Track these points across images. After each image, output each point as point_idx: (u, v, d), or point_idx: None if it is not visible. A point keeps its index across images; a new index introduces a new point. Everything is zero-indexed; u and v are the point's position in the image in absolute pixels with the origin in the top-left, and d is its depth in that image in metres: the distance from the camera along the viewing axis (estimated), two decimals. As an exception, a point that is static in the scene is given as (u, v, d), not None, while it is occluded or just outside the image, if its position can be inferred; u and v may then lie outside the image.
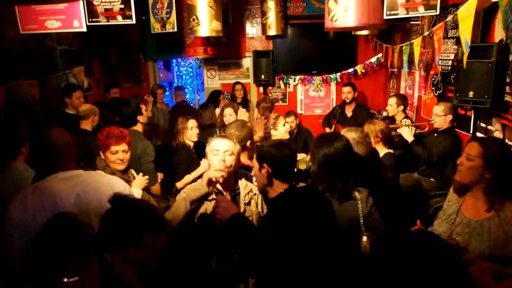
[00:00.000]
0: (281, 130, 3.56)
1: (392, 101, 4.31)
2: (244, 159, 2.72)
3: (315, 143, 1.96)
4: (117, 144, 2.44)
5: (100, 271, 1.54)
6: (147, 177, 2.64)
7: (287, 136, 3.71)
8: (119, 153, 2.45)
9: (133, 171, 2.71)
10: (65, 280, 1.40)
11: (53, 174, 1.86)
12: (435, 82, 4.13)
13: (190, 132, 3.40)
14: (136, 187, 2.48)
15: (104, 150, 2.45)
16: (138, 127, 3.27)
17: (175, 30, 4.18)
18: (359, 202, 1.89)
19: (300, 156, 4.38)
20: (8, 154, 2.31)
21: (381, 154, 2.99)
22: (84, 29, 3.36)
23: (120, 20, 3.41)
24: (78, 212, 1.73)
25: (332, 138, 1.93)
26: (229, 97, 6.09)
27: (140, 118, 3.25)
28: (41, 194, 1.78)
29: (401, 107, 4.27)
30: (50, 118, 3.81)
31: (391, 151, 3.13)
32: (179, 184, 3.22)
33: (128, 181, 2.51)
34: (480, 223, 1.80)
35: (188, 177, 3.23)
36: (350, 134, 2.31)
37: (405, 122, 4.08)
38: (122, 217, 1.53)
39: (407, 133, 3.71)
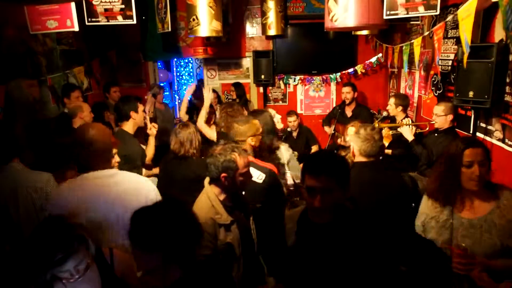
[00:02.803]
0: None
1: (391, 101, 4.29)
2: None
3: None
4: (115, 146, 2.36)
5: (101, 272, 1.53)
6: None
7: (281, 126, 3.82)
8: (116, 156, 2.36)
9: None
10: (64, 281, 1.41)
11: (92, 172, 1.95)
12: (435, 82, 4.13)
13: None
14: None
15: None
16: (131, 123, 3.16)
17: (169, 30, 4.20)
18: (283, 150, 3.08)
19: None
20: (8, 154, 2.30)
21: None
22: (76, 29, 3.36)
23: (120, 20, 3.41)
24: (120, 209, 1.83)
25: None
26: (228, 97, 6.09)
27: (134, 115, 3.13)
28: (86, 189, 1.89)
29: (400, 108, 4.24)
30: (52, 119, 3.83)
31: None
32: None
33: None
34: (484, 219, 1.82)
35: None
36: (361, 130, 2.42)
37: (406, 121, 4.08)
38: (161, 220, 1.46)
39: (408, 133, 3.71)
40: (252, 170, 2.53)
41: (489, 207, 1.83)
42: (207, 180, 2.10)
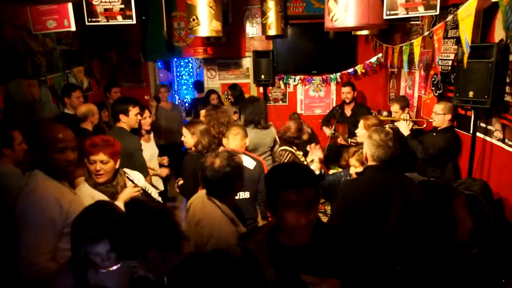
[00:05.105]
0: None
1: (396, 107, 4.25)
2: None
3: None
4: (94, 153, 2.22)
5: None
6: (138, 188, 2.48)
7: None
8: (96, 164, 2.23)
9: (126, 176, 2.52)
10: (103, 270, 1.51)
11: None
12: (435, 82, 4.13)
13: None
14: (121, 201, 2.19)
15: (86, 158, 2.27)
16: (122, 124, 3.22)
17: (165, 30, 4.22)
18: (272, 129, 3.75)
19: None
20: None
21: None
22: (73, 28, 3.38)
23: (120, 20, 3.41)
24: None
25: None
26: (228, 97, 6.08)
27: (123, 118, 3.19)
28: None
29: (406, 110, 4.26)
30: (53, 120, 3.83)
31: None
32: None
33: (115, 194, 2.33)
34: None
35: None
36: (374, 135, 2.35)
37: (404, 116, 4.08)
38: (129, 227, 1.43)
39: (404, 127, 3.70)
40: (244, 157, 2.65)
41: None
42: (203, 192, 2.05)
